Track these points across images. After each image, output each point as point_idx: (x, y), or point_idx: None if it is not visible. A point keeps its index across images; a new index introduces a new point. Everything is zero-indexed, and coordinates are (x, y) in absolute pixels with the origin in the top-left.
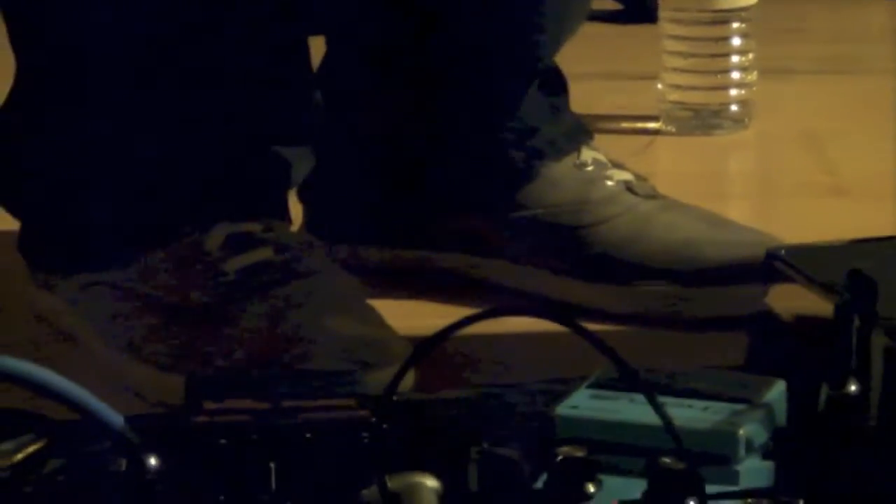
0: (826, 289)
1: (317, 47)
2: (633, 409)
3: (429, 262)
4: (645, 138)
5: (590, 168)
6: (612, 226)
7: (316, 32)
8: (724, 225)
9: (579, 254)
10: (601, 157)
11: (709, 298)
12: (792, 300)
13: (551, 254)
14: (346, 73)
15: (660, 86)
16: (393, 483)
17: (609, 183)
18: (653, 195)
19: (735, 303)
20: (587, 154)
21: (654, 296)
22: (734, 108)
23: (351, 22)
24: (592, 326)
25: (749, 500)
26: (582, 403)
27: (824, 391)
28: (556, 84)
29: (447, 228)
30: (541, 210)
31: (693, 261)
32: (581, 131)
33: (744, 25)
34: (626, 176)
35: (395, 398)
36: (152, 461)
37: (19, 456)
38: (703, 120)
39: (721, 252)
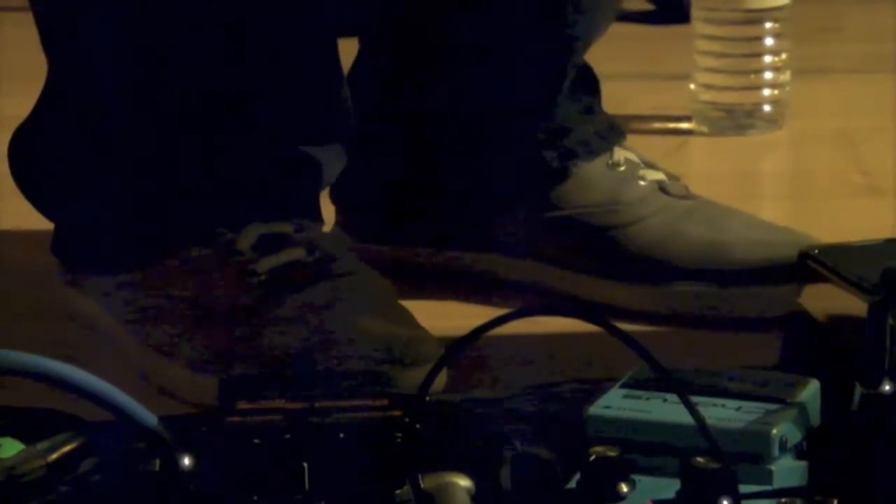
0: (860, 288)
1: (347, 48)
2: (666, 409)
3: (461, 263)
4: (678, 138)
5: (622, 168)
6: (644, 226)
7: (347, 34)
8: (757, 225)
9: (611, 254)
10: (634, 157)
11: (742, 299)
12: (826, 299)
13: (583, 254)
14: (377, 74)
15: (692, 86)
16: (426, 483)
17: (642, 183)
18: (685, 195)
19: (769, 303)
20: (620, 154)
21: (687, 296)
22: (767, 108)
23: (382, 23)
24: (624, 327)
25: (783, 500)
26: (615, 403)
27: (858, 390)
28: (588, 84)
29: (479, 229)
30: (573, 210)
31: (726, 261)
32: (614, 131)
33: (777, 25)
34: (659, 176)
35: (427, 398)
36: (186, 461)
37: (54, 455)
38: (736, 120)
39: (754, 252)
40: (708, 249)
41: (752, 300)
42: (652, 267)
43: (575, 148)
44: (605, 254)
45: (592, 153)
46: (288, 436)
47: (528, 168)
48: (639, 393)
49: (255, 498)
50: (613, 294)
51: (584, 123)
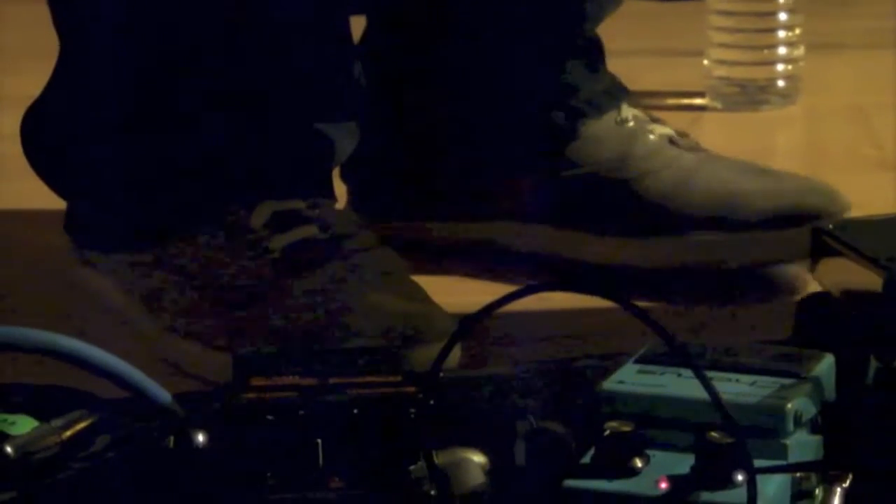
0: (874, 262)
1: (358, 25)
2: (680, 384)
3: (473, 236)
4: (691, 114)
5: (631, 124)
6: (656, 178)
7: (357, 11)
8: (768, 172)
9: (624, 208)
10: (641, 113)
11: (756, 244)
12: (840, 274)
13: (596, 211)
14: (387, 49)
15: (706, 61)
16: (440, 459)
17: (651, 137)
18: (695, 148)
19: (782, 247)
20: (627, 111)
21: (702, 245)
22: (781, 83)
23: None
24: (639, 302)
25: (797, 475)
26: (629, 378)
27: (873, 365)
28: (591, 45)
29: (492, 195)
30: (585, 168)
31: (739, 208)
32: (620, 89)
33: (790, 0)
34: (668, 131)
35: (441, 374)
36: (200, 438)
37: (69, 433)
38: (749, 95)
39: (766, 198)
40: (720, 199)
41: (764, 245)
42: (665, 218)
43: (582, 107)
44: (618, 208)
45: (600, 111)
46: (302, 412)
47: (537, 130)
48: (653, 368)
49: (269, 474)
50: (629, 253)
51: (590, 82)
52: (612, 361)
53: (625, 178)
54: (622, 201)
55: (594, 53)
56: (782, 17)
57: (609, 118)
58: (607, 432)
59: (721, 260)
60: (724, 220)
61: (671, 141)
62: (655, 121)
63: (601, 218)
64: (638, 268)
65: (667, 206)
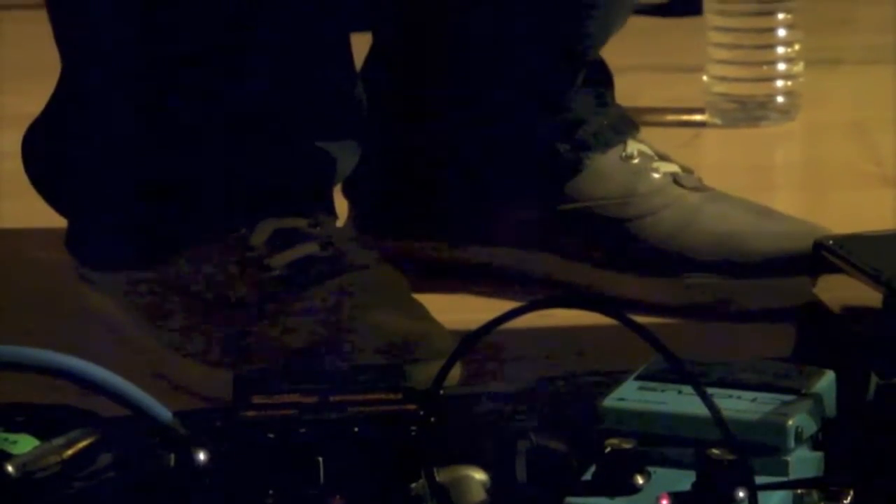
0: (874, 278)
1: (361, 43)
2: (681, 401)
3: (475, 257)
4: (691, 130)
5: (636, 160)
6: (658, 218)
7: (360, 28)
8: (771, 216)
9: (625, 247)
10: (647, 149)
11: (757, 290)
12: (840, 290)
13: (597, 247)
14: (390, 68)
15: (705, 78)
16: (441, 476)
17: (655, 175)
18: (699, 187)
19: (783, 294)
20: (633, 146)
21: (702, 288)
22: (780, 99)
23: (395, 18)
24: (639, 319)
25: (799, 491)
26: (629, 395)
27: (874, 381)
28: (601, 77)
29: (494, 222)
30: (587, 203)
31: (740, 252)
32: (627, 123)
33: (790, 16)
34: (673, 168)
35: (441, 391)
36: (201, 456)
37: (69, 451)
38: (749, 111)
39: (769, 243)
40: (722, 241)
41: (766, 292)
42: (666, 259)
43: (588, 140)
44: (620, 246)
45: (606, 145)
46: (303, 430)
47: (541, 161)
48: (654, 385)
49: (270, 492)
50: (628, 287)
51: (598, 115)
52: (612, 378)
53: (626, 216)
54: (622, 240)
55: (603, 85)
56: (781, 33)
57: (614, 153)
58: (608, 449)
59: (720, 304)
60: (724, 263)
61: (675, 179)
62: (662, 157)
63: (601, 253)
64: (639, 301)
65: (665, 249)
